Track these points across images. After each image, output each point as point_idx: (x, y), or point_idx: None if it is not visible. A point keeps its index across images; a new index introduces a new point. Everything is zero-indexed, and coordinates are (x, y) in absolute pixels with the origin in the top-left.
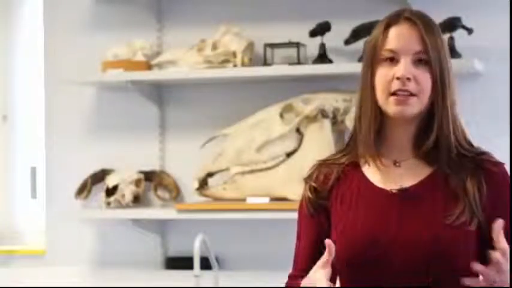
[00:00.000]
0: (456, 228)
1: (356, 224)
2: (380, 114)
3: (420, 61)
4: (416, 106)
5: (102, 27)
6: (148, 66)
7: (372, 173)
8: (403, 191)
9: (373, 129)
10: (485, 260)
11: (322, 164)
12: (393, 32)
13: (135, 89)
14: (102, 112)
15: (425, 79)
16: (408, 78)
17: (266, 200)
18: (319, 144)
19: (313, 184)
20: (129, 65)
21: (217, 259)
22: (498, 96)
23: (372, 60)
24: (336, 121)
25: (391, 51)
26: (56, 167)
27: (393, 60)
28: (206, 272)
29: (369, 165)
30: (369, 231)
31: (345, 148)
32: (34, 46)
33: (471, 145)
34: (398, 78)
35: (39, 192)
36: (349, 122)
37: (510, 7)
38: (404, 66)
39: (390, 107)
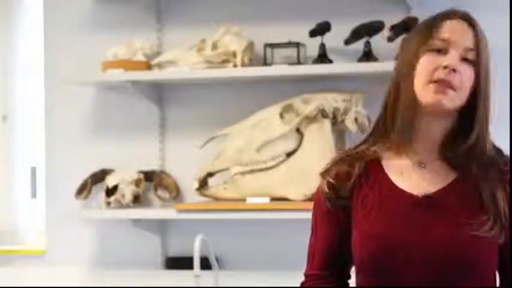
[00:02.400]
0: (482, 238)
1: (377, 230)
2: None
3: (466, 60)
4: (453, 100)
5: (102, 27)
6: (148, 66)
7: (395, 173)
8: (427, 197)
9: (411, 119)
10: (504, 270)
11: (343, 159)
12: (448, 24)
13: (135, 89)
14: (102, 112)
15: (468, 77)
16: (454, 70)
17: (266, 200)
18: (319, 144)
19: (333, 181)
20: (129, 65)
21: (217, 259)
22: (498, 96)
23: (419, 48)
24: (336, 121)
25: (444, 40)
26: (56, 167)
27: (440, 51)
28: (206, 272)
29: (400, 155)
30: (391, 238)
31: (368, 139)
32: (34, 46)
33: (500, 152)
34: (445, 68)
35: (39, 192)
36: (349, 122)
37: (510, 7)
38: (453, 57)
39: (428, 94)
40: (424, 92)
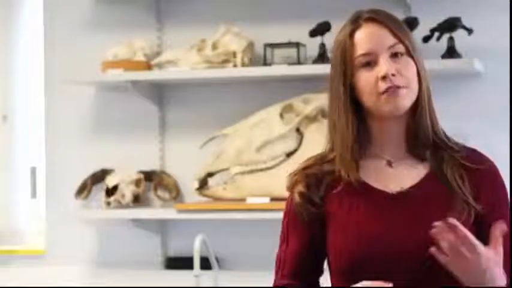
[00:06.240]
0: (462, 224)
1: (358, 230)
2: (363, 117)
3: (396, 55)
4: (408, 97)
5: (102, 27)
6: (148, 66)
7: (367, 174)
8: (404, 193)
9: (351, 141)
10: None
11: (309, 174)
12: (359, 36)
13: (135, 89)
14: (102, 112)
15: (408, 70)
16: (393, 74)
17: (266, 200)
18: (319, 144)
19: (304, 190)
20: (129, 65)
21: (217, 259)
22: (498, 96)
23: (344, 71)
24: None
25: (365, 55)
26: (56, 167)
27: (370, 63)
28: (206, 272)
29: (370, 156)
30: (372, 238)
31: (327, 158)
32: (34, 46)
33: (447, 136)
34: (383, 78)
35: (39, 192)
36: None
37: (510, 7)
38: (384, 64)
39: (383, 105)
40: (378, 105)
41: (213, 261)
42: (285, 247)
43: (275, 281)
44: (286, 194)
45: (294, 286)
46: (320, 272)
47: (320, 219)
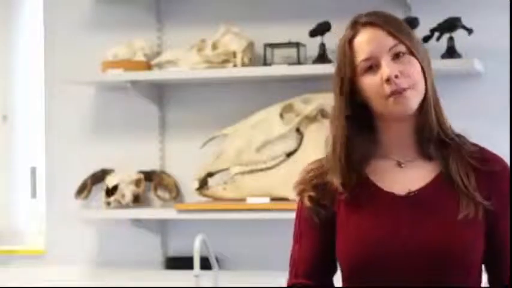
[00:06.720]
0: (468, 226)
1: (365, 230)
2: (370, 119)
3: (398, 55)
4: (415, 98)
5: (102, 27)
6: (148, 66)
7: (376, 176)
8: (411, 196)
9: (344, 154)
10: (492, 252)
11: (317, 175)
12: (359, 41)
13: (135, 89)
14: (102, 112)
15: (412, 69)
16: (396, 76)
17: (266, 200)
18: (319, 144)
19: (314, 195)
20: (129, 65)
21: (217, 259)
22: (498, 96)
23: (342, 77)
24: None
25: (367, 59)
26: (56, 167)
27: (372, 67)
28: (206, 272)
29: (380, 157)
30: (379, 237)
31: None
32: (34, 46)
33: (453, 131)
34: (387, 81)
35: (39, 192)
36: None
37: (510, 7)
38: (387, 67)
39: (391, 108)
40: (387, 107)
41: (213, 261)
42: (298, 247)
43: (289, 280)
44: (286, 193)
45: (308, 285)
46: (334, 271)
47: (330, 220)
